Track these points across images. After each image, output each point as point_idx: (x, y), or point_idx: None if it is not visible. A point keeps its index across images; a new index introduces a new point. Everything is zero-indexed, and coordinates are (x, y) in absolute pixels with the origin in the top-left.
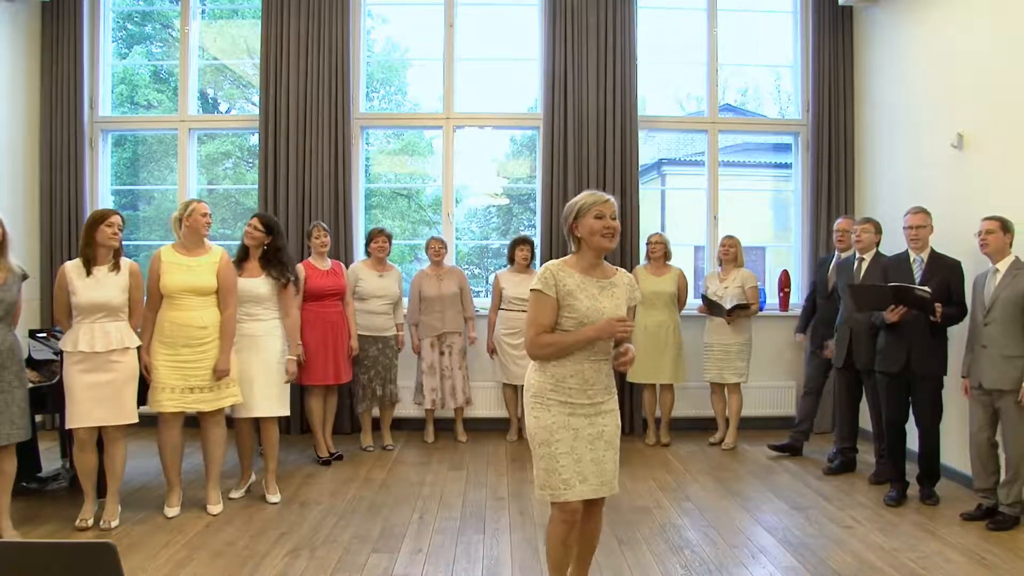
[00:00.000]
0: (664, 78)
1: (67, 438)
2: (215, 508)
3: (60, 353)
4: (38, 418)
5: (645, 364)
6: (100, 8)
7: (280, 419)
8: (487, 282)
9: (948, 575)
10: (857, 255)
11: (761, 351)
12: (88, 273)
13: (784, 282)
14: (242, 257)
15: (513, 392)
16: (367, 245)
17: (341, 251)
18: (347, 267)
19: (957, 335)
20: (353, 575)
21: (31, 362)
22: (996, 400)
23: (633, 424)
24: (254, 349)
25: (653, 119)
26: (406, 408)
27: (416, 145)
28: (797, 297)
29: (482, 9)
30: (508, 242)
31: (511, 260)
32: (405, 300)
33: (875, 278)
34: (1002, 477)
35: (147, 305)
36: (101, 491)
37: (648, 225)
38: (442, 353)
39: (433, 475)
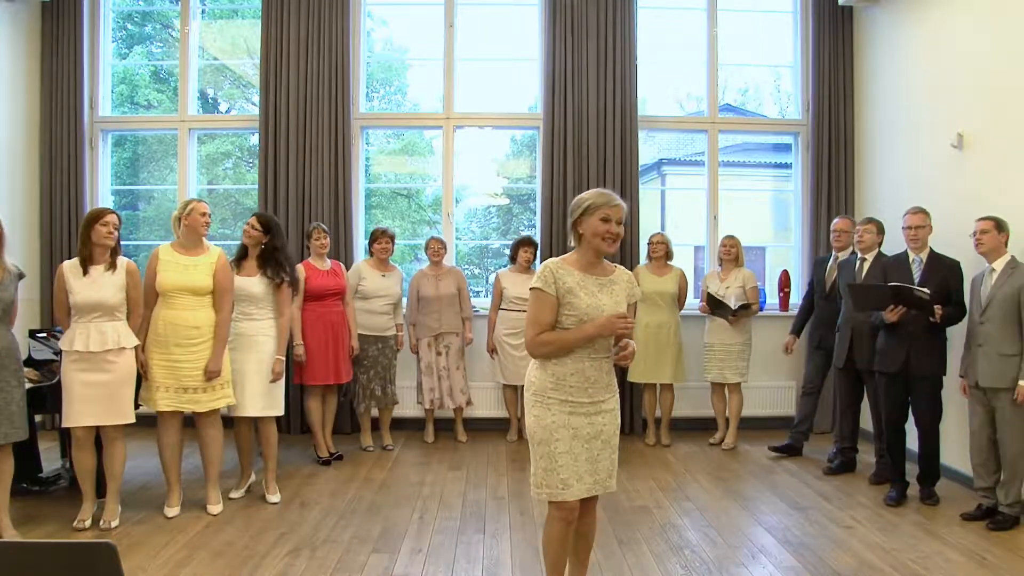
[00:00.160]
0: (664, 78)
1: (67, 438)
2: (215, 508)
3: (60, 353)
4: (38, 418)
5: (645, 364)
6: (100, 8)
7: (279, 419)
8: (487, 282)
9: (948, 575)
10: (859, 255)
11: (761, 351)
12: (85, 272)
13: (784, 282)
14: (241, 256)
15: (513, 392)
16: (370, 245)
17: (341, 251)
18: (347, 267)
19: (956, 335)
20: (353, 575)
21: (31, 362)
22: (992, 399)
23: (633, 424)
24: (249, 348)
25: (653, 119)
26: (406, 408)
27: (416, 145)
28: (797, 297)
29: (482, 9)
30: (508, 242)
31: (513, 260)
32: (405, 300)
33: (876, 278)
34: (1002, 477)
35: (143, 303)
36: (101, 491)
37: (648, 225)
38: (439, 353)
39: (433, 475)
